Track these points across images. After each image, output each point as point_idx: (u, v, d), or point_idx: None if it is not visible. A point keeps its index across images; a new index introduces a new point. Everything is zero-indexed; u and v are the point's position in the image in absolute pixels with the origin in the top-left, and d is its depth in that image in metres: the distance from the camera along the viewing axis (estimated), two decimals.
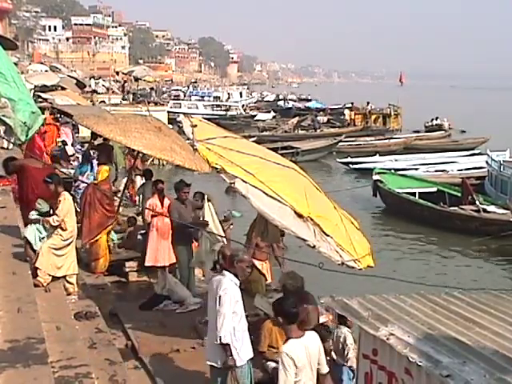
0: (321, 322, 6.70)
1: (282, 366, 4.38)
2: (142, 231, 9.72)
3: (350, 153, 28.07)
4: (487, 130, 34.64)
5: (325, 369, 4.63)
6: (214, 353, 5.09)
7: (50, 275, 7.47)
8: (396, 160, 25.54)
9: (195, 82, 79.70)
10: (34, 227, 7.69)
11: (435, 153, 27.50)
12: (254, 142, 12.81)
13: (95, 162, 11.66)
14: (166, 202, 8.91)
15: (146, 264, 8.71)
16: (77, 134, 19.53)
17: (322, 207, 6.56)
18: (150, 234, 8.69)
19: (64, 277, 7.70)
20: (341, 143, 30.51)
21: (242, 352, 5.13)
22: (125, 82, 34.14)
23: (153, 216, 8.73)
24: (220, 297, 5.00)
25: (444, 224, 16.53)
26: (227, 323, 4.97)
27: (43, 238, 7.67)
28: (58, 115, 17.65)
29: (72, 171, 13.90)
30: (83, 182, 10.86)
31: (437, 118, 39.67)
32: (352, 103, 45.57)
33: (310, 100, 59.98)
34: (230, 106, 47.45)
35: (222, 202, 15.46)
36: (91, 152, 13.11)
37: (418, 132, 37.69)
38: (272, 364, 5.87)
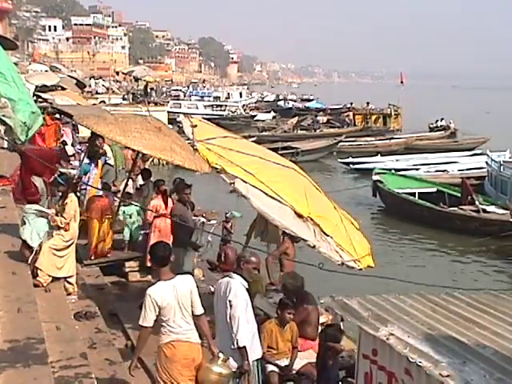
0: (321, 321, 6.71)
1: (144, 305, 4.74)
2: (142, 231, 9.72)
3: (351, 153, 28.08)
4: (488, 130, 34.61)
5: (198, 310, 4.88)
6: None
7: (50, 275, 7.47)
8: (397, 160, 25.55)
9: (203, 82, 79.46)
10: (29, 228, 7.62)
11: (436, 153, 27.51)
12: (253, 142, 12.81)
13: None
14: (170, 202, 8.92)
15: (149, 264, 8.70)
16: (77, 134, 19.52)
17: (322, 207, 6.56)
18: (153, 234, 8.66)
19: (64, 277, 7.70)
20: (341, 143, 30.52)
21: (250, 353, 5.16)
22: (147, 83, 34.36)
23: (155, 217, 8.71)
24: (230, 301, 5.02)
25: (444, 224, 16.52)
26: (242, 326, 5.01)
27: (44, 235, 7.63)
28: (58, 115, 17.65)
29: (72, 171, 13.90)
30: (87, 184, 10.82)
31: (442, 119, 38.97)
32: (351, 103, 45.54)
33: (313, 100, 60.01)
34: (227, 105, 47.42)
35: (224, 202, 15.45)
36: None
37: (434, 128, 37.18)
38: (270, 366, 5.86)
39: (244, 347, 5.01)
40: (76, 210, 7.66)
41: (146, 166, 12.82)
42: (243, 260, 5.29)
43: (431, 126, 39.07)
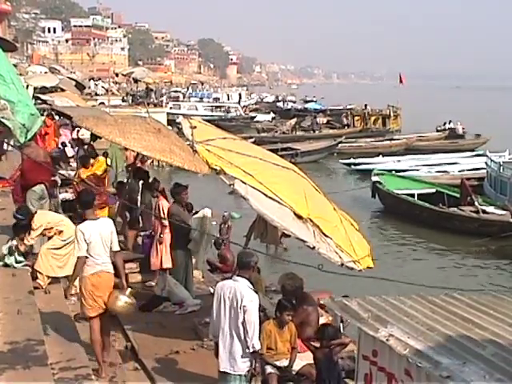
0: (321, 323, 6.69)
1: (76, 239, 5.76)
2: (142, 233, 9.70)
3: (352, 154, 28.08)
4: (489, 131, 34.55)
5: (115, 247, 5.95)
6: (232, 360, 5.13)
7: (49, 277, 7.47)
8: (398, 161, 25.56)
9: (201, 84, 79.42)
10: (11, 258, 7.63)
11: (437, 154, 27.49)
12: (253, 143, 12.81)
13: None
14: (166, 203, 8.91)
15: (153, 268, 8.66)
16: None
17: (322, 208, 6.56)
18: (166, 237, 8.58)
19: (66, 277, 7.67)
20: (342, 144, 30.52)
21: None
22: (148, 85, 34.64)
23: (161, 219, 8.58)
24: (245, 306, 5.05)
25: (443, 225, 16.51)
26: (257, 331, 5.10)
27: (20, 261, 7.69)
28: (57, 117, 17.67)
29: (72, 173, 13.90)
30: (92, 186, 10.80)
31: (450, 122, 38.12)
32: (346, 106, 45.52)
33: (316, 101, 60.05)
34: (229, 107, 47.40)
35: (224, 203, 15.45)
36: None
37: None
38: (269, 367, 5.85)
39: (257, 350, 5.12)
40: (51, 221, 7.71)
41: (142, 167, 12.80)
42: (253, 263, 5.32)
43: (439, 128, 38.13)
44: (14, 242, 7.66)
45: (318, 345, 5.84)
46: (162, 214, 8.49)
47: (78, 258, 5.79)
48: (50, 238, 7.73)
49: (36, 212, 7.91)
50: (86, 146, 14.37)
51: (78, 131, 18.01)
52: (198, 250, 8.65)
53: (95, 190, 9.42)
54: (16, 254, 7.60)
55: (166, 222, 8.42)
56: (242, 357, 5.11)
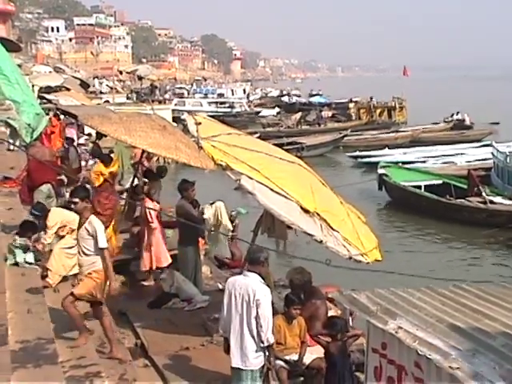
0: (329, 315, 6.70)
1: (101, 232, 5.92)
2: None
3: (357, 147, 28.00)
4: (494, 120, 34.28)
5: (100, 244, 5.98)
6: (243, 355, 5.16)
7: (60, 275, 7.51)
8: (405, 153, 25.48)
9: (205, 80, 79.08)
10: (21, 255, 7.65)
11: (443, 145, 27.33)
12: (258, 138, 12.79)
13: None
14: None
15: (143, 269, 8.68)
16: (82, 134, 19.57)
17: (328, 202, 6.55)
18: (157, 237, 8.59)
19: (76, 276, 7.71)
20: (347, 137, 30.47)
21: None
22: (152, 82, 34.81)
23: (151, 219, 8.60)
24: (258, 300, 5.09)
25: (450, 216, 16.45)
26: (271, 325, 5.15)
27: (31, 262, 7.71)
28: (63, 116, 17.72)
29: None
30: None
31: (458, 113, 37.49)
32: (351, 99, 45.36)
33: (321, 95, 59.94)
34: (233, 102, 47.31)
35: (232, 199, 15.43)
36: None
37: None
38: (278, 362, 5.86)
39: (272, 344, 5.17)
40: (63, 220, 7.71)
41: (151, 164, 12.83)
42: (263, 258, 5.34)
43: (447, 120, 37.38)
44: (30, 243, 7.69)
45: (329, 339, 5.85)
46: (148, 216, 8.45)
47: (105, 249, 5.94)
48: (62, 237, 7.76)
49: (50, 210, 7.93)
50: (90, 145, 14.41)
51: (86, 139, 18.13)
52: (218, 240, 8.76)
53: (111, 188, 9.48)
54: (30, 253, 7.60)
55: (153, 225, 8.46)
56: (253, 352, 5.14)
